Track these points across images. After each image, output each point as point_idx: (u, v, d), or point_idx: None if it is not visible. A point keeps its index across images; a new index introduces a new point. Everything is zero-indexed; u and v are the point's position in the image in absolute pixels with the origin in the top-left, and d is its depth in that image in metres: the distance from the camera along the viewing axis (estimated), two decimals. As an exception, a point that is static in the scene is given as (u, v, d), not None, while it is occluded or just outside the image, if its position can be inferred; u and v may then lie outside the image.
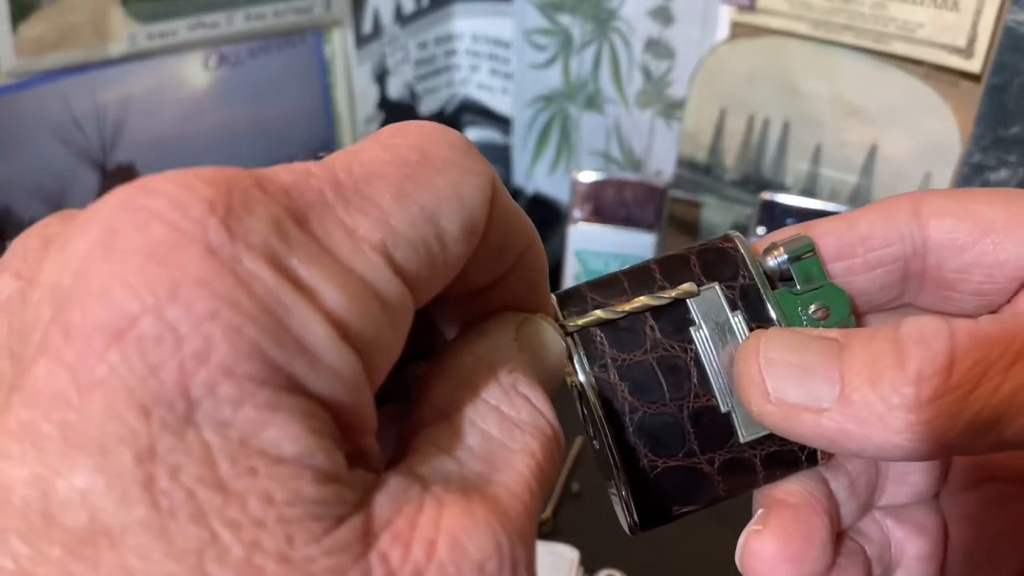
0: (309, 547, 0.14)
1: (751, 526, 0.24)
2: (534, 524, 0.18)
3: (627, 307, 0.24)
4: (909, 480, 0.26)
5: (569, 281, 0.76)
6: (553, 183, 0.95)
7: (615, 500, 0.25)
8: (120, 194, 0.15)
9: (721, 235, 0.26)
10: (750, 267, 0.25)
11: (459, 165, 0.18)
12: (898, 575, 0.27)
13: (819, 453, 0.24)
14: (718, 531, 0.59)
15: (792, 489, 0.25)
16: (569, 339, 0.24)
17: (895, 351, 0.20)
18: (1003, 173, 0.62)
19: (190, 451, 0.14)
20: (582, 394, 0.24)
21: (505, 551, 0.16)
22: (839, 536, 0.25)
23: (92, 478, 0.14)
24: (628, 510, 0.24)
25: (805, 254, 0.25)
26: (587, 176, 0.76)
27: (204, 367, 0.14)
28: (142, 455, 0.14)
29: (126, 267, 0.14)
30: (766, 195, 0.71)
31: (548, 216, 0.94)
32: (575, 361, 0.24)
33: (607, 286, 0.25)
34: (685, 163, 0.81)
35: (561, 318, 0.24)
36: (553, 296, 0.24)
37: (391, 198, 0.17)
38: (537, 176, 0.97)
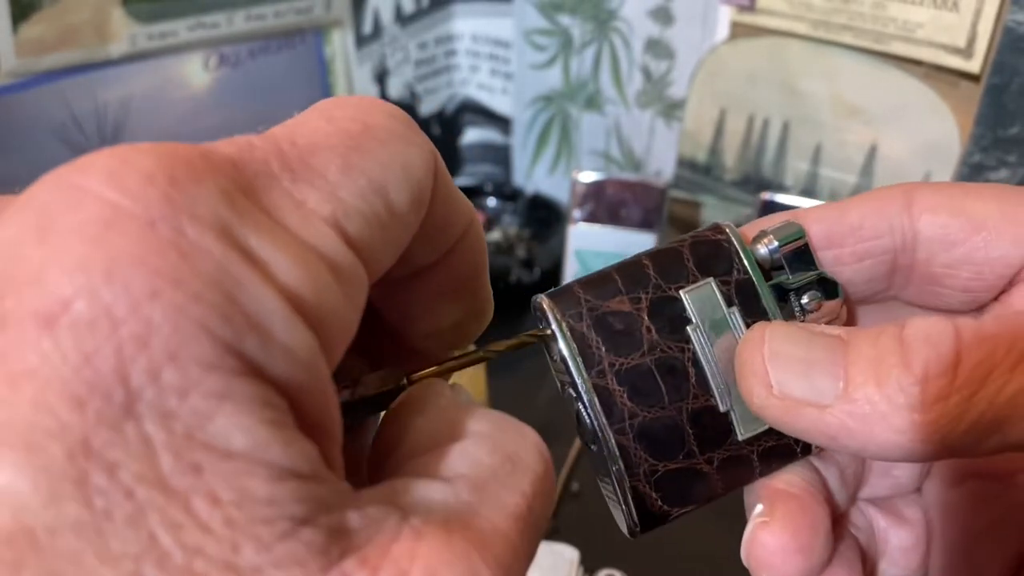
0: (258, 556, 0.13)
1: (757, 518, 0.24)
2: (522, 566, 0.17)
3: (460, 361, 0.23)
4: (892, 473, 0.27)
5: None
6: (553, 183, 0.95)
7: (612, 503, 0.24)
8: (54, 174, 0.14)
9: (711, 225, 0.25)
10: (744, 260, 0.24)
11: (402, 136, 0.18)
12: (882, 564, 0.27)
13: (813, 445, 0.24)
14: (718, 530, 0.59)
15: (792, 480, 0.24)
16: (566, 345, 0.23)
17: (901, 350, 0.20)
18: (1003, 173, 0.62)
19: (129, 446, 0.13)
20: (579, 399, 0.24)
21: None
22: (837, 524, 0.25)
23: (14, 474, 0.12)
24: (628, 515, 0.24)
25: (795, 241, 0.24)
26: (587, 176, 0.76)
27: (144, 352, 0.13)
28: (74, 450, 0.13)
29: (59, 249, 0.13)
30: (766, 195, 0.71)
31: (548, 216, 0.94)
32: (572, 369, 0.23)
33: (599, 285, 0.24)
34: (685, 163, 0.81)
35: (557, 316, 0.24)
36: (544, 297, 0.24)
37: (337, 170, 0.16)
38: (537, 176, 0.97)
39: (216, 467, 0.13)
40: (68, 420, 0.13)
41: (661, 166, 0.84)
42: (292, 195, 0.16)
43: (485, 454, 0.18)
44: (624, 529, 0.24)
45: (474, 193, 0.98)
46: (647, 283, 0.24)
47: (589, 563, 0.56)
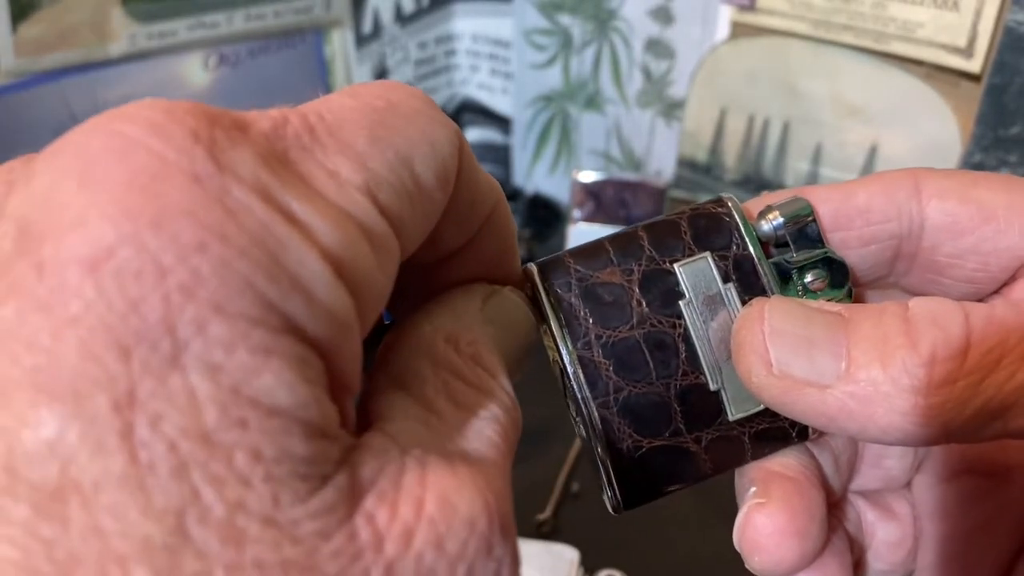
0: (295, 508, 0.13)
1: (752, 499, 0.23)
2: (509, 489, 0.17)
3: None
4: (883, 465, 0.26)
5: (569, 281, 0.76)
6: (553, 183, 0.95)
7: (600, 478, 0.24)
8: (95, 121, 0.14)
9: (713, 198, 0.24)
10: (744, 235, 0.23)
11: (426, 114, 0.18)
12: (867, 557, 0.26)
13: (810, 429, 0.24)
14: (718, 530, 0.59)
15: (788, 463, 0.24)
16: (551, 314, 0.23)
17: (906, 330, 0.20)
18: (1004, 173, 0.62)
19: (173, 398, 0.13)
20: (564, 372, 0.23)
21: (493, 509, 0.15)
22: (830, 513, 0.25)
23: (63, 427, 0.12)
24: (611, 490, 0.23)
25: (802, 218, 0.23)
26: (587, 176, 0.76)
27: (192, 303, 0.13)
28: (120, 401, 0.12)
29: (103, 196, 0.13)
30: (766, 195, 0.71)
31: (548, 216, 0.94)
32: (557, 338, 0.23)
33: (591, 255, 0.23)
34: (685, 163, 0.81)
35: (545, 285, 0.23)
36: (534, 266, 0.23)
37: (365, 141, 0.16)
38: (537, 176, 0.97)
39: (261, 423, 0.13)
40: (114, 370, 0.12)
41: (661, 166, 0.84)
42: (325, 166, 0.16)
43: (455, 393, 0.18)
44: (608, 506, 0.24)
45: (474, 193, 0.97)
46: (640, 255, 0.23)
47: (589, 563, 0.56)
